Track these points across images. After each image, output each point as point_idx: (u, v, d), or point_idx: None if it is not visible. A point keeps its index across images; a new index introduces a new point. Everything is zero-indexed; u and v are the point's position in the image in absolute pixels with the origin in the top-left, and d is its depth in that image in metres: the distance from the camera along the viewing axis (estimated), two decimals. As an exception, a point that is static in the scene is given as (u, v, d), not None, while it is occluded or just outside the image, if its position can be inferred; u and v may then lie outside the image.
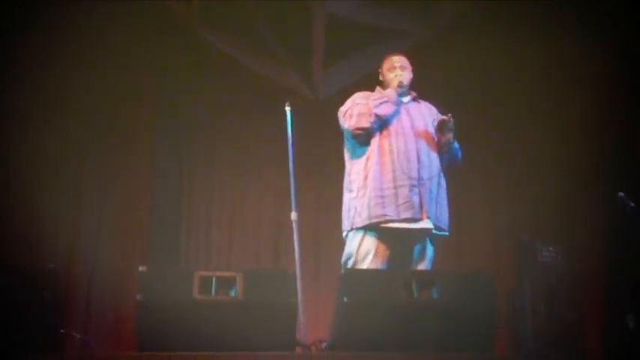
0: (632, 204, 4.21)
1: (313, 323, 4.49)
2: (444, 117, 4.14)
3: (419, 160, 4.06)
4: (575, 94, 6.35)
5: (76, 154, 6.26)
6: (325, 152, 6.12)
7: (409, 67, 4.33)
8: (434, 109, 4.34)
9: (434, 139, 4.19)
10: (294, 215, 4.03)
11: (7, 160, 5.84)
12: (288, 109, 4.16)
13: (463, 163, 6.29)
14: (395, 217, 3.97)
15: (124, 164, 6.37)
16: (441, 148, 4.19)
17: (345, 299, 3.21)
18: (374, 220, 3.99)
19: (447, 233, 4.13)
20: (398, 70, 4.27)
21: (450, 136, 4.16)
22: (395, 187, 4.00)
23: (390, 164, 4.04)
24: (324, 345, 3.51)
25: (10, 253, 5.46)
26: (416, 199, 3.98)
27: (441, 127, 4.15)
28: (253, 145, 6.59)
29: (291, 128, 4.11)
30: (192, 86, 6.61)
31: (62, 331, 3.56)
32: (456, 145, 4.28)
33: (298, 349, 3.46)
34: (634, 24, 5.93)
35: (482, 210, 6.50)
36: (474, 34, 6.38)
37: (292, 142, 4.08)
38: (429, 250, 4.12)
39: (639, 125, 6.10)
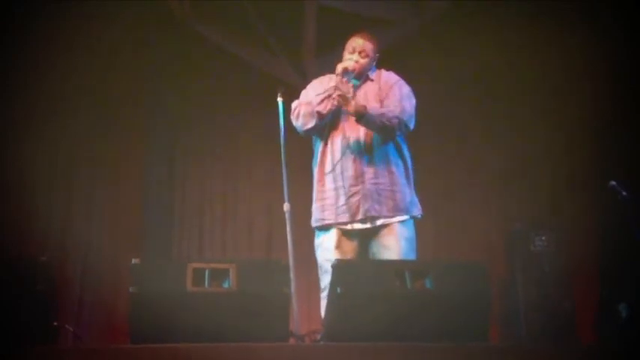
0: (624, 192, 4.22)
1: (307, 314, 4.50)
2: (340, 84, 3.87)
3: (358, 152, 3.93)
4: (572, 86, 6.37)
5: (69, 148, 6.26)
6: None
7: (371, 55, 4.08)
8: (391, 78, 4.11)
9: None
10: (286, 206, 4.01)
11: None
12: (280, 100, 4.14)
13: (458, 153, 6.28)
14: (333, 222, 3.96)
15: (117, 157, 6.37)
16: (359, 121, 3.90)
17: (338, 290, 3.21)
18: (315, 224, 4.04)
19: (405, 217, 3.96)
20: (356, 54, 4.05)
21: (352, 103, 3.85)
22: (335, 189, 3.96)
23: (329, 163, 3.99)
24: (318, 336, 3.52)
25: (2, 245, 5.45)
26: (354, 200, 3.90)
27: (340, 97, 3.87)
28: (246, 136, 6.59)
29: (283, 119, 4.10)
30: (184, 79, 6.61)
31: (55, 323, 3.55)
32: (373, 111, 3.89)
33: (292, 340, 3.46)
34: (635, 20, 5.94)
35: (475, 199, 6.51)
36: (468, 26, 6.39)
37: (284, 133, 4.07)
38: (400, 232, 3.94)
39: (634, 117, 6.11)
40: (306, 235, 4.99)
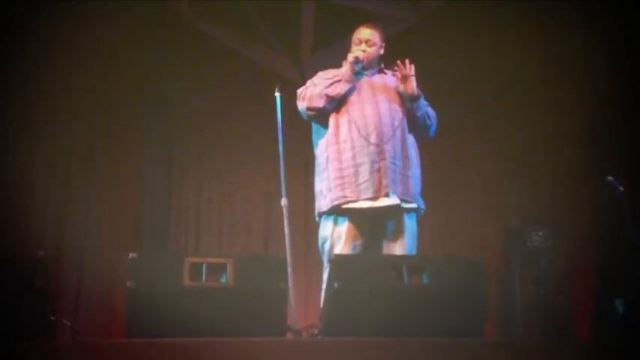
0: (621, 188, 4.22)
1: (304, 309, 4.50)
2: (402, 63, 4.00)
3: (379, 131, 3.93)
4: (572, 86, 6.37)
5: (68, 147, 6.27)
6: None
7: (378, 43, 4.17)
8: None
9: (400, 106, 4.05)
10: (284, 201, 4.01)
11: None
12: (277, 94, 4.15)
13: (456, 149, 6.28)
14: (355, 198, 3.90)
15: (115, 156, 6.37)
16: (408, 103, 4.03)
17: (335, 285, 3.21)
18: (335, 203, 3.93)
19: (414, 205, 3.99)
20: (363, 44, 4.12)
21: (413, 84, 4.00)
22: (355, 166, 3.91)
23: (349, 142, 3.95)
24: (315, 331, 3.51)
25: (1, 243, 5.46)
26: (375, 175, 3.88)
27: (402, 77, 4.01)
28: (243, 130, 6.59)
29: (280, 114, 4.10)
30: (182, 75, 6.63)
31: (52, 318, 3.55)
32: (424, 101, 4.09)
33: (289, 335, 3.46)
34: (635, 20, 5.94)
35: (474, 197, 6.51)
36: (468, 25, 6.40)
37: (282, 128, 4.07)
38: (407, 226, 3.98)
39: (634, 117, 6.11)
40: (303, 230, 5.01)
